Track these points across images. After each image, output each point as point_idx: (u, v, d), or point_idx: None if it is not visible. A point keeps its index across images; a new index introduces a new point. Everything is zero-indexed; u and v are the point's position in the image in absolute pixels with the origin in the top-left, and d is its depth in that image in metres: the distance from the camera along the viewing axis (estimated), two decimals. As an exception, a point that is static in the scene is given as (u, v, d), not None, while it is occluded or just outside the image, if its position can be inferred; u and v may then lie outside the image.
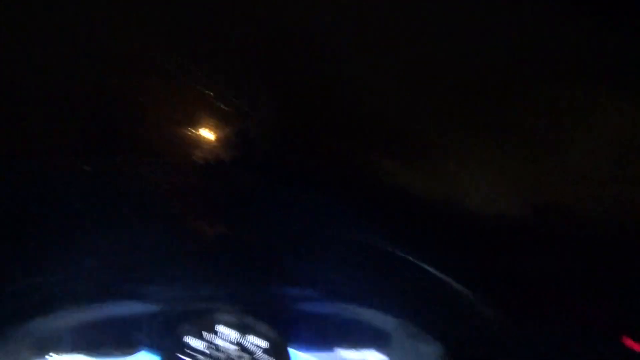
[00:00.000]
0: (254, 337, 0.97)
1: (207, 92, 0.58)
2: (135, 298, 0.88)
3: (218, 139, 0.64)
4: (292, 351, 0.97)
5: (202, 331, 0.96)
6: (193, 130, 0.64)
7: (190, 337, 0.95)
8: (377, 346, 1.01)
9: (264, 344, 0.97)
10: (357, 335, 1.01)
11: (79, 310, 0.87)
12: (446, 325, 0.94)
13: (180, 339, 0.95)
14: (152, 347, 0.93)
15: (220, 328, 0.97)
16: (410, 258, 0.46)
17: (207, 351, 0.95)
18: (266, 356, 0.96)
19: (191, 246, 0.85)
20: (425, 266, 0.51)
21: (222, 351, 0.96)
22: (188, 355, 0.94)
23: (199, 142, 0.65)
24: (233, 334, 0.97)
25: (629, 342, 0.74)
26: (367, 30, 0.54)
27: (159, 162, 0.65)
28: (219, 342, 0.96)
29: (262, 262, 0.91)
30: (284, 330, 0.97)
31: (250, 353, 0.96)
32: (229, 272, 0.91)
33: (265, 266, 0.91)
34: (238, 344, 0.97)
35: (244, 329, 0.97)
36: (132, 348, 0.92)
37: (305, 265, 0.92)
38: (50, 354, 0.89)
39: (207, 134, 0.65)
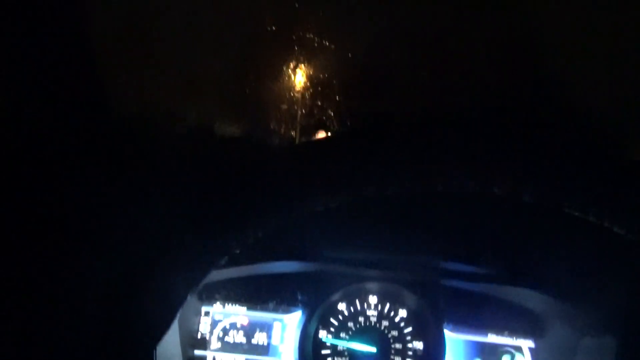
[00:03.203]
0: (403, 309, 0.96)
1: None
2: (297, 258, 0.91)
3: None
4: (445, 331, 0.94)
5: (356, 299, 0.97)
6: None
7: (343, 302, 0.98)
8: (534, 336, 0.94)
9: (413, 317, 0.96)
10: (513, 322, 0.94)
11: (246, 265, 0.92)
12: (624, 314, 0.78)
13: (335, 304, 0.97)
14: (308, 308, 0.96)
15: (371, 297, 0.97)
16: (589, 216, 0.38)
17: (357, 319, 0.97)
18: (415, 331, 0.95)
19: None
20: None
21: (371, 320, 0.97)
22: (338, 320, 0.97)
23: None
24: (384, 305, 0.97)
25: None
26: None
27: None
28: (369, 312, 0.97)
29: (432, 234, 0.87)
30: (437, 306, 0.95)
31: (399, 327, 0.96)
32: (394, 239, 0.89)
33: (433, 238, 0.87)
34: (387, 314, 0.97)
35: (395, 300, 0.97)
36: (289, 306, 0.97)
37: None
38: (216, 302, 0.98)
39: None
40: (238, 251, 0.44)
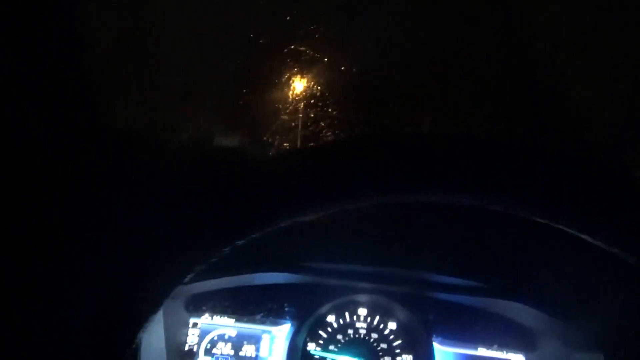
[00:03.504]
0: (393, 321, 0.96)
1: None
2: (286, 269, 0.91)
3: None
4: (434, 344, 0.93)
5: (345, 311, 0.97)
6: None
7: (332, 315, 0.97)
8: (524, 350, 0.93)
9: (403, 329, 0.95)
10: (503, 335, 0.94)
11: (234, 276, 0.92)
12: (612, 330, 0.78)
13: (324, 316, 0.97)
14: (296, 320, 0.96)
15: (360, 310, 0.97)
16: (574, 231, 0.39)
17: (346, 331, 0.96)
18: (404, 344, 0.94)
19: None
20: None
21: (360, 332, 0.96)
22: (326, 332, 0.96)
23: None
24: (373, 317, 0.96)
25: None
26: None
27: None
28: (358, 324, 0.96)
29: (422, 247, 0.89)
30: (426, 319, 0.94)
31: (388, 340, 0.95)
32: (385, 252, 0.90)
33: (424, 251, 0.89)
34: (376, 327, 0.96)
35: (385, 312, 0.96)
36: (278, 318, 0.97)
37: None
38: (204, 313, 0.98)
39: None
40: (221, 255, 0.44)
